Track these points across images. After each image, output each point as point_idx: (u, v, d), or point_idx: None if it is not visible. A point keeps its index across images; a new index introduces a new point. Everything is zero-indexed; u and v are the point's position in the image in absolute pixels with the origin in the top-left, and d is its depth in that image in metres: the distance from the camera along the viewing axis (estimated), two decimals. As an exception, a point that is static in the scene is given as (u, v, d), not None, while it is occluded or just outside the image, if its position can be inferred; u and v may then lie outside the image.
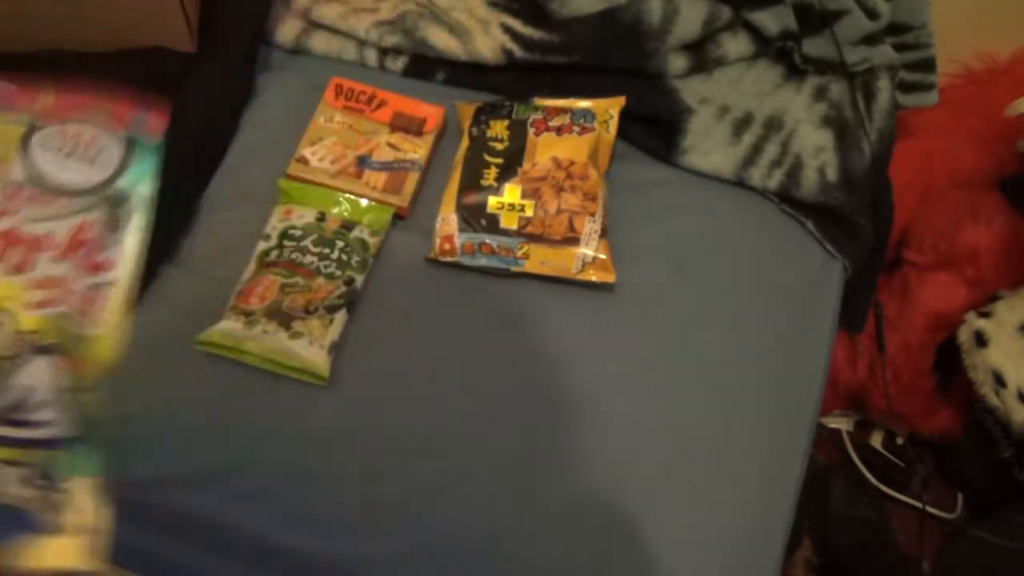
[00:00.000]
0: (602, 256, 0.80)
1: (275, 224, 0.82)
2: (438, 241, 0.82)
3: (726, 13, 0.92)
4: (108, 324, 0.74)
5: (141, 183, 0.78)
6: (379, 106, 0.89)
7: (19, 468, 0.68)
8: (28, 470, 0.68)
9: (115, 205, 0.77)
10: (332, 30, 0.95)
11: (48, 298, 0.73)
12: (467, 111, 0.89)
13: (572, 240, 0.80)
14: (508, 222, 0.81)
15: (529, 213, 0.81)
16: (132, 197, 0.78)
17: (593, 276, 0.80)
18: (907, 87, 1.03)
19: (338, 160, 0.86)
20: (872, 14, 0.98)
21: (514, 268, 0.81)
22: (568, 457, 0.75)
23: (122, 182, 0.78)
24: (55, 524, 0.69)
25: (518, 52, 0.91)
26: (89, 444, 0.70)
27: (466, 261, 0.82)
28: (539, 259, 0.80)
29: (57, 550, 0.68)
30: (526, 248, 0.80)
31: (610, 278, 0.80)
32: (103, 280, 0.76)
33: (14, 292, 0.73)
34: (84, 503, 0.69)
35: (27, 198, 0.76)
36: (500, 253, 0.81)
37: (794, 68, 0.96)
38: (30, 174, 0.76)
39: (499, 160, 0.84)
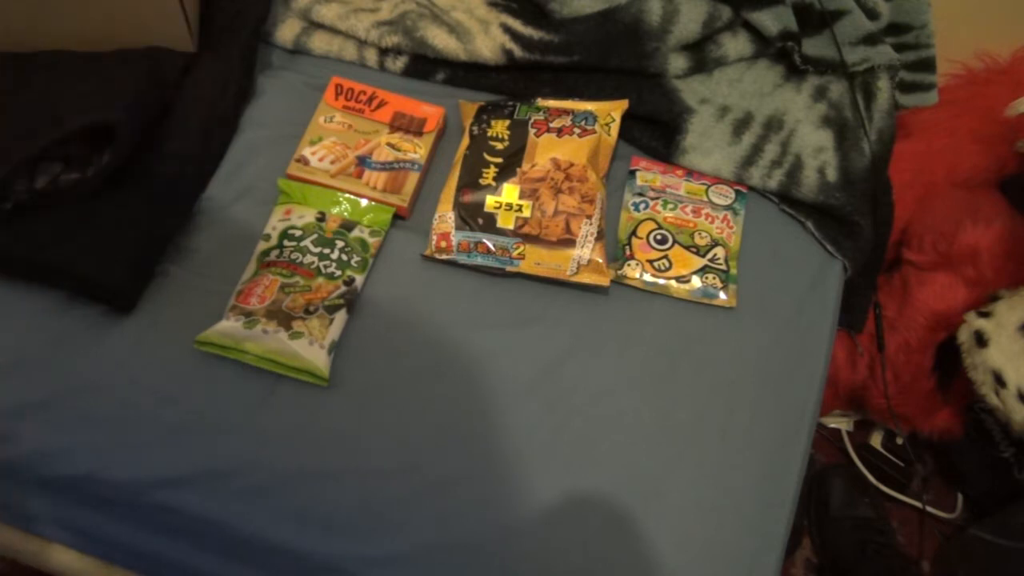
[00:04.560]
0: (597, 259, 0.80)
1: (275, 224, 0.82)
2: (434, 238, 0.82)
3: (726, 13, 0.92)
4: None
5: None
6: (379, 106, 0.89)
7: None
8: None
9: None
10: (332, 30, 0.95)
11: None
12: (470, 110, 0.90)
13: (568, 242, 0.80)
14: (505, 222, 0.81)
15: (526, 213, 0.81)
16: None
17: (587, 279, 0.80)
18: (907, 87, 1.03)
19: (338, 160, 0.86)
20: (872, 14, 0.98)
21: (509, 268, 0.81)
22: (568, 457, 0.75)
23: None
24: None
25: (518, 52, 0.91)
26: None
27: (462, 259, 0.82)
28: (534, 260, 0.80)
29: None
30: (522, 248, 0.80)
31: (604, 281, 0.80)
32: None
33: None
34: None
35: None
36: (496, 252, 0.81)
37: (794, 68, 0.96)
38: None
39: (499, 159, 0.84)
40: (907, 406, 1.13)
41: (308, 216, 0.82)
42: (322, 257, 0.80)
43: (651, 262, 0.83)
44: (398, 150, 0.87)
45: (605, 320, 0.81)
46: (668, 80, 0.93)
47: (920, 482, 1.25)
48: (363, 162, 0.86)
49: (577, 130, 0.85)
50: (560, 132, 0.85)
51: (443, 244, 0.82)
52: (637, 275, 0.82)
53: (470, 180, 0.83)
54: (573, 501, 0.73)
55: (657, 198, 0.87)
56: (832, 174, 0.89)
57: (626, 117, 0.89)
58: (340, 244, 0.81)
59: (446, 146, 0.90)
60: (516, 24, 0.92)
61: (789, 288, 0.85)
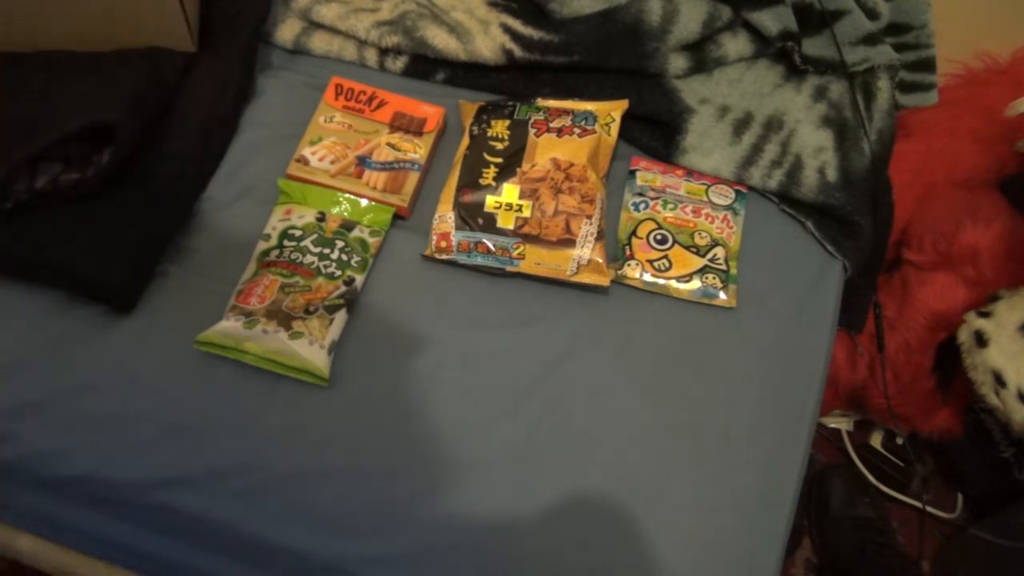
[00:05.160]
0: (597, 259, 0.80)
1: (275, 224, 0.82)
2: (434, 238, 0.82)
3: (726, 13, 0.92)
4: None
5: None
6: (379, 106, 0.89)
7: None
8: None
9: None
10: (332, 30, 0.95)
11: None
12: (470, 109, 0.90)
13: (568, 242, 0.80)
14: (505, 222, 0.81)
15: (526, 213, 0.81)
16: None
17: (587, 279, 0.80)
18: (907, 87, 1.03)
19: (338, 160, 0.86)
20: (872, 14, 0.98)
21: (509, 268, 0.81)
22: (568, 457, 0.75)
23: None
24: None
25: (518, 52, 0.91)
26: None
27: (461, 259, 0.82)
28: (534, 260, 0.80)
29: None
30: (522, 248, 0.80)
31: (604, 281, 0.80)
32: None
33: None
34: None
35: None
36: (496, 252, 0.81)
37: (794, 68, 0.96)
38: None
39: (499, 160, 0.84)
40: (907, 406, 1.13)
41: (308, 216, 0.82)
42: (322, 257, 0.80)
43: (651, 262, 0.83)
44: (398, 150, 0.87)
45: (605, 320, 0.81)
46: (668, 80, 0.93)
47: (920, 482, 1.25)
48: (363, 162, 0.86)
49: (577, 130, 0.85)
50: (560, 132, 0.85)
51: (443, 244, 0.82)
52: (637, 275, 0.82)
53: (470, 180, 0.83)
54: (573, 501, 0.73)
55: (657, 198, 0.87)
56: (832, 174, 0.89)
57: (626, 117, 0.89)
58: (340, 244, 0.81)
59: (446, 146, 0.90)
60: (516, 24, 0.92)
61: (789, 288, 0.85)
